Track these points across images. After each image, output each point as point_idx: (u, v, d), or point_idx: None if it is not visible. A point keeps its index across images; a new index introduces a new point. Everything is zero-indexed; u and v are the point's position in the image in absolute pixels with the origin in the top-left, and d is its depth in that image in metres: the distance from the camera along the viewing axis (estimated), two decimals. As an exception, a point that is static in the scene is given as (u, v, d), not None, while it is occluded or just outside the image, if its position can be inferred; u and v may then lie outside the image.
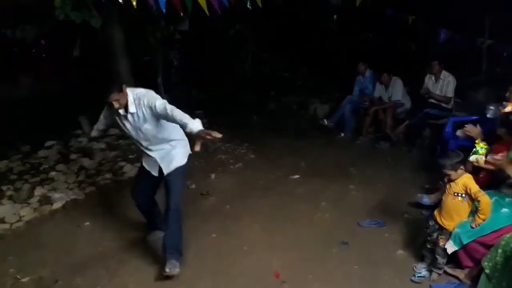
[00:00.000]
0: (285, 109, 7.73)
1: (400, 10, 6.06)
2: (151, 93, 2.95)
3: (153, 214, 3.47)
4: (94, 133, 3.47)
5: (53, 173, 4.81)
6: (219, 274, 3.07)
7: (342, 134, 6.27)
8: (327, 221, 3.80)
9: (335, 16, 9.15)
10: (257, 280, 2.99)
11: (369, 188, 4.41)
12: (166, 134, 3.07)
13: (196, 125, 2.65)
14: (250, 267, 3.13)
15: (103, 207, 4.16)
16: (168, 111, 2.77)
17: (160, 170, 3.14)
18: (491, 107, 4.23)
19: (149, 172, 3.21)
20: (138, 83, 6.80)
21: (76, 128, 6.16)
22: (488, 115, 4.22)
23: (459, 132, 3.86)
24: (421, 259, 3.09)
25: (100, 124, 3.40)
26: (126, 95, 2.89)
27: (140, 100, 2.91)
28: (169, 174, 3.10)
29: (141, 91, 2.96)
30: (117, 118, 3.03)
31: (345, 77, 6.78)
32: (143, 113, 2.92)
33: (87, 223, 3.87)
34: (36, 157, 5.29)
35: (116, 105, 2.85)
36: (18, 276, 3.11)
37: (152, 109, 2.87)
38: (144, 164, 3.25)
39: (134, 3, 3.76)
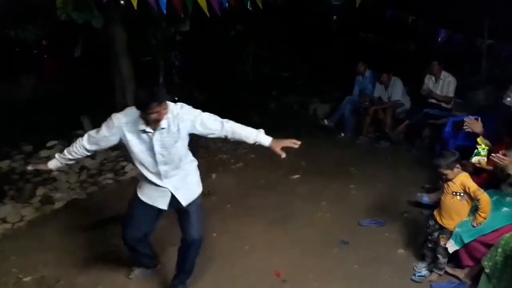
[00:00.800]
0: (286, 108, 7.74)
1: (399, 10, 6.06)
2: (185, 105, 2.52)
3: (141, 253, 2.86)
4: (53, 165, 2.69)
5: (54, 173, 4.82)
6: (220, 273, 3.08)
7: (342, 134, 6.29)
8: (327, 220, 3.82)
9: (334, 17, 9.17)
10: (257, 279, 3.00)
11: (369, 188, 4.43)
12: (189, 155, 2.65)
13: (264, 135, 2.48)
14: (251, 267, 3.14)
15: (105, 207, 4.17)
16: (225, 125, 2.43)
17: (172, 202, 2.65)
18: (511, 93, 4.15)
19: (150, 207, 2.67)
20: (139, 83, 6.87)
21: (78, 128, 6.20)
22: (505, 102, 4.15)
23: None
24: (421, 258, 3.09)
25: (77, 151, 2.63)
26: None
27: (174, 113, 2.44)
28: (189, 204, 2.67)
29: (170, 104, 2.47)
30: (132, 138, 2.48)
31: (345, 77, 6.79)
32: (178, 129, 2.45)
33: (89, 222, 3.89)
34: (38, 157, 5.30)
35: (157, 116, 2.33)
36: (20, 276, 3.13)
37: (195, 124, 2.45)
38: (144, 198, 2.66)
39: (135, 4, 3.79)
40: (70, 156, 2.65)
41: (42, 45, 9.38)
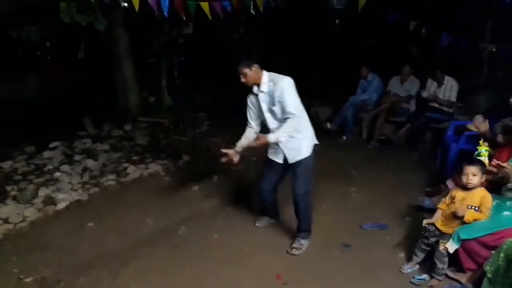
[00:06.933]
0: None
1: (402, 14, 6.07)
2: (288, 83, 3.16)
3: (270, 203, 3.60)
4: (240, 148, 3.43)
5: (57, 174, 4.84)
6: (221, 275, 3.08)
7: (344, 137, 6.29)
8: (328, 223, 3.81)
9: (337, 21, 9.18)
10: (258, 282, 2.99)
11: (370, 191, 4.43)
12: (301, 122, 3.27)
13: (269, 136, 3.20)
14: (252, 269, 3.14)
15: (107, 208, 4.18)
16: (288, 115, 3.12)
17: (285, 159, 3.30)
18: None
19: (273, 161, 3.38)
20: (142, 85, 6.89)
21: (80, 129, 6.22)
22: None
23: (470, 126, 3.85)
24: (409, 258, 3.10)
25: (253, 126, 3.48)
26: (258, 74, 3.22)
27: (275, 81, 3.18)
28: (293, 164, 3.29)
29: (278, 76, 3.21)
30: (254, 100, 3.35)
31: (347, 81, 6.80)
32: (273, 95, 3.17)
33: (91, 224, 3.89)
34: (41, 157, 5.32)
35: (242, 79, 3.20)
36: (21, 276, 3.13)
37: (281, 99, 3.13)
38: (269, 154, 3.42)
39: (136, 5, 3.80)
40: (250, 135, 3.44)
41: (45, 47, 9.42)
